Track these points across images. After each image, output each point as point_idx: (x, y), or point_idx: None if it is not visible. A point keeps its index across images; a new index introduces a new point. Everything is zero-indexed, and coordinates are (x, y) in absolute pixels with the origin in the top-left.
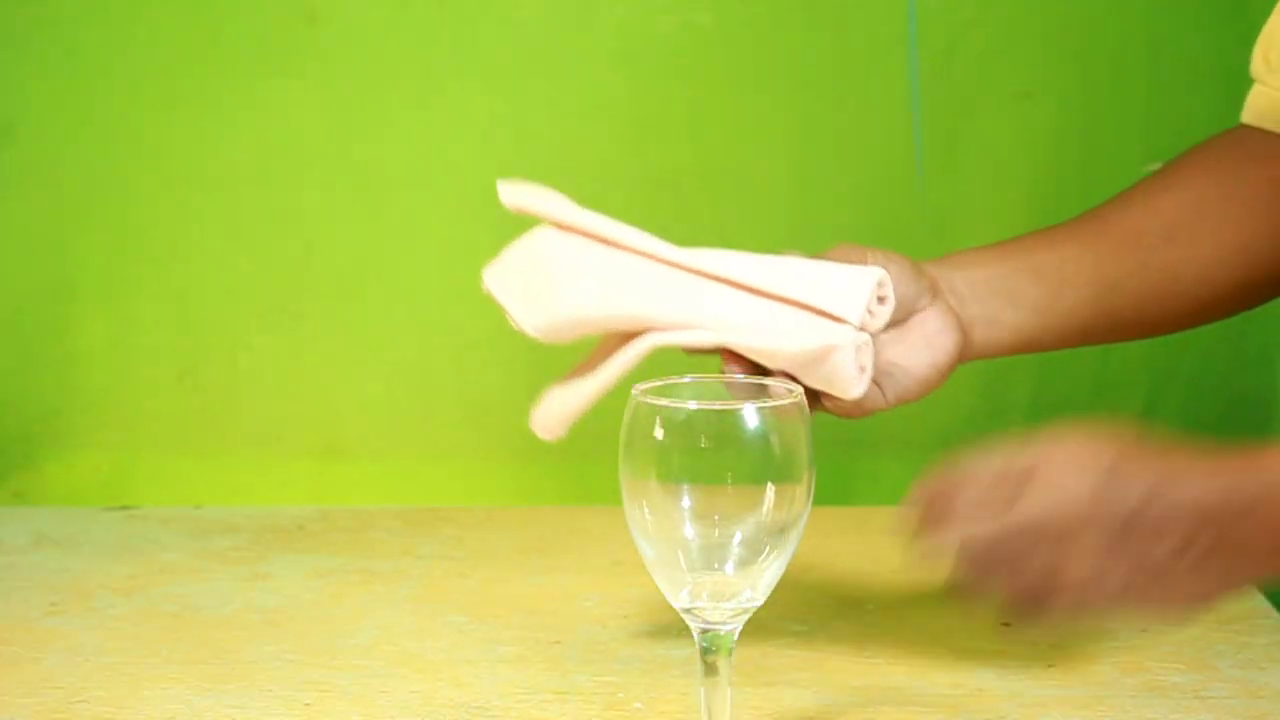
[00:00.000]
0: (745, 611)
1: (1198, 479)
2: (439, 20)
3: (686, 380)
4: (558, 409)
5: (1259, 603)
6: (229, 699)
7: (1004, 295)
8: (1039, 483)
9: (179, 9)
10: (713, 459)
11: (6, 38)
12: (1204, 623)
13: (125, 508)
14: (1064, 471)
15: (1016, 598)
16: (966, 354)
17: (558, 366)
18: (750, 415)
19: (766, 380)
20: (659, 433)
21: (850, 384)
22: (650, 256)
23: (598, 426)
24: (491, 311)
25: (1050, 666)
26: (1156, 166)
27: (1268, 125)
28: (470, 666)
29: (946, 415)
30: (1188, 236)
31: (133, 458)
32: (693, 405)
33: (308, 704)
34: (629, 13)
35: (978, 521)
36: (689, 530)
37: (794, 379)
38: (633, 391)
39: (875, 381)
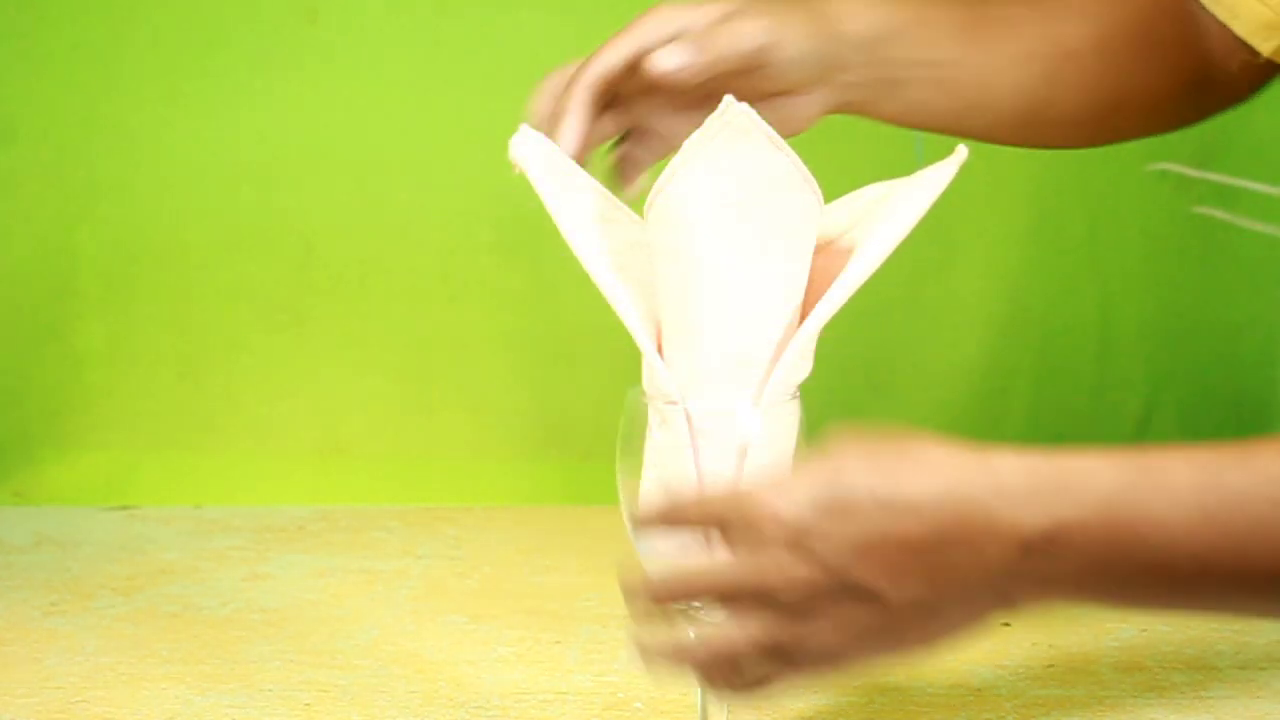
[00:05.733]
0: None
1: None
2: (439, 20)
3: None
4: None
5: None
6: (229, 699)
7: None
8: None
9: (179, 8)
10: None
11: (6, 38)
12: (1204, 623)
13: (125, 508)
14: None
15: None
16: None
17: (558, 367)
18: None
19: None
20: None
21: None
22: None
23: (597, 426)
24: (491, 311)
25: (1050, 666)
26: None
27: None
28: (470, 666)
29: (946, 416)
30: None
31: (133, 458)
32: (691, 405)
33: (308, 704)
34: (629, 12)
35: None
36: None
37: None
38: (630, 391)
39: None
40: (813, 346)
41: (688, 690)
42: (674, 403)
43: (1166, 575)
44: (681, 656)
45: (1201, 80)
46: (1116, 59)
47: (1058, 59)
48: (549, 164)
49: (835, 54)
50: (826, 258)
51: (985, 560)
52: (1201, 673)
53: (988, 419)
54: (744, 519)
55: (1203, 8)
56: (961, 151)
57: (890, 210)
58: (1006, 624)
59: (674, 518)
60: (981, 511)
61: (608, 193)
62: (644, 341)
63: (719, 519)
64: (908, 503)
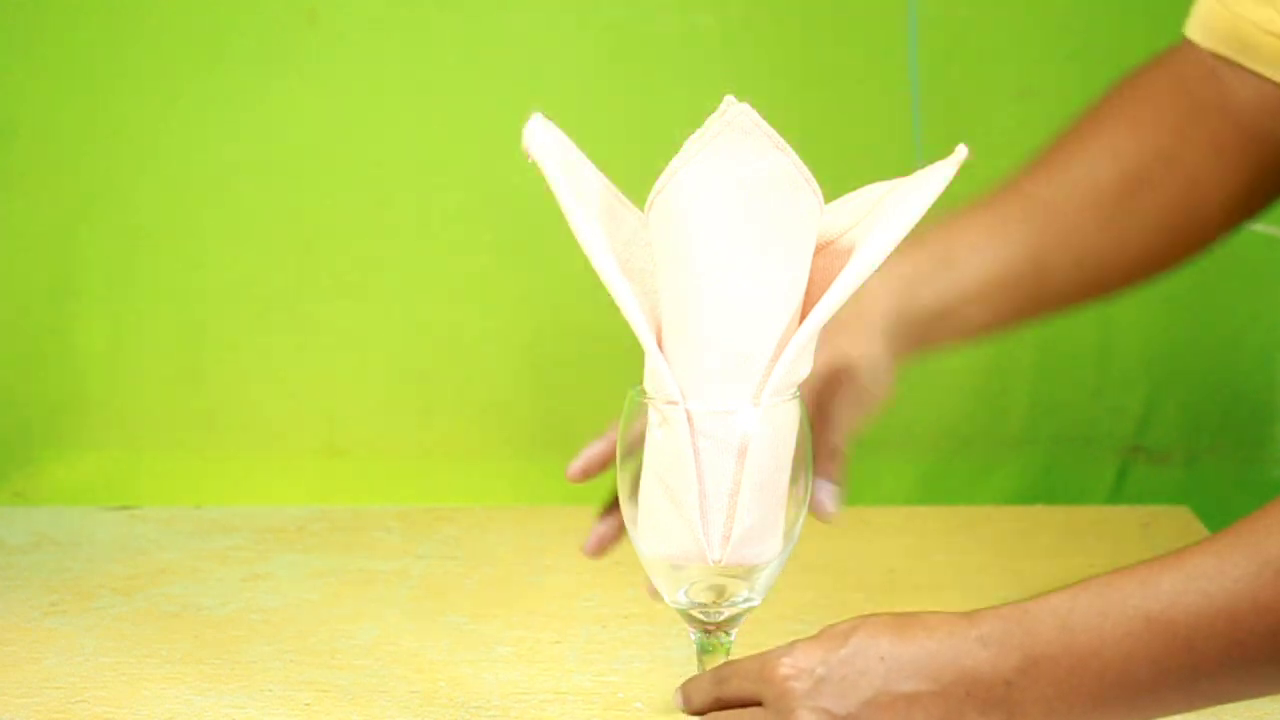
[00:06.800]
0: (743, 612)
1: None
2: (438, 20)
3: None
4: None
5: None
6: (229, 699)
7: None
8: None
9: (179, 9)
10: None
11: (6, 38)
12: None
13: (125, 508)
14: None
15: None
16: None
17: (558, 367)
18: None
19: None
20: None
21: None
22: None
23: (597, 426)
24: (491, 311)
25: None
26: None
27: (1227, 51)
28: (470, 666)
29: (946, 415)
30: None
31: (133, 458)
32: (691, 405)
33: (308, 704)
34: (629, 13)
35: None
36: None
37: None
38: (630, 391)
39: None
40: (813, 346)
41: None
42: (674, 402)
43: (1131, 684)
44: None
45: (1259, 157)
46: (1174, 179)
47: (1107, 211)
48: (562, 155)
49: (908, 331)
50: (826, 258)
51: (980, 702)
52: None
53: (988, 419)
54: (768, 680)
55: (1250, 73)
56: (961, 151)
57: (890, 210)
58: None
59: (720, 695)
60: (969, 659)
61: (614, 187)
62: (646, 338)
63: (751, 695)
64: (908, 661)
